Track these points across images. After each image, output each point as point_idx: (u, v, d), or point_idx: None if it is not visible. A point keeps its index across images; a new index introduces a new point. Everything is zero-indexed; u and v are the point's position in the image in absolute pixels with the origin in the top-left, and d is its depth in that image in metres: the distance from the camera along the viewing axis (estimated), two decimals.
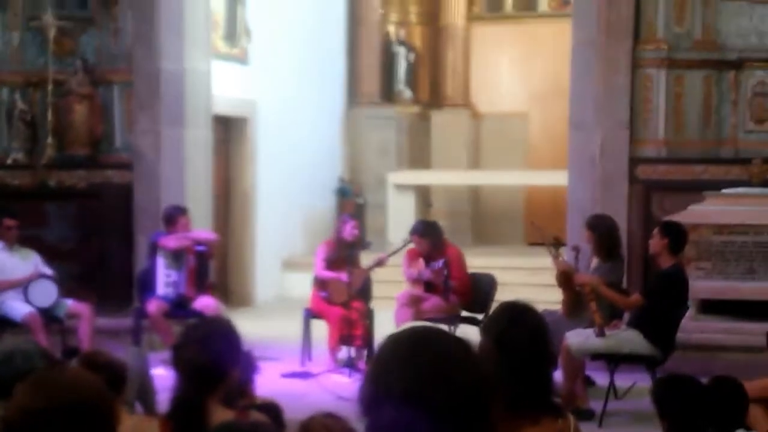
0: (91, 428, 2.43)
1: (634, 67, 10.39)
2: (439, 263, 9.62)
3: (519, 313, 3.65)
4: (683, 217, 9.47)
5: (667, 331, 8.14)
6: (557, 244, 9.01)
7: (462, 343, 2.05)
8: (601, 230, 8.84)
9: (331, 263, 9.99)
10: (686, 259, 9.20)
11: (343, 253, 10.00)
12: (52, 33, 10.99)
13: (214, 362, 3.88)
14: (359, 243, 11.07)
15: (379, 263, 9.97)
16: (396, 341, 2.05)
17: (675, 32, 10.44)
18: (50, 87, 11.05)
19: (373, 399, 1.99)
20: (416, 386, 1.94)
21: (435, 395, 1.94)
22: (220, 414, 3.81)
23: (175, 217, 9.88)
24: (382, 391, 1.97)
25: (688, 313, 8.71)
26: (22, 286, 9.52)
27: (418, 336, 2.05)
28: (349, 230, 10.09)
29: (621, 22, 10.32)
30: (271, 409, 4.59)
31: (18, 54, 11.34)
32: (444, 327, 7.61)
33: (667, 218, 9.10)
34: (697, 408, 4.75)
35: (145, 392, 4.84)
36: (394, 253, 10.25)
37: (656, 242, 8.22)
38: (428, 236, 9.83)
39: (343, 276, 9.81)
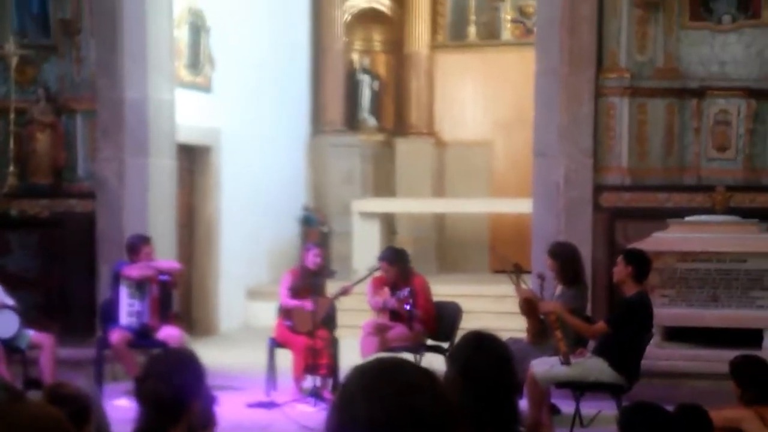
0: None
1: (597, 96, 10.45)
2: (405, 292, 9.61)
3: (483, 342, 3.65)
4: (647, 244, 9.51)
5: (632, 358, 8.15)
6: (519, 271, 9.02)
7: (427, 374, 2.04)
8: (563, 257, 8.86)
9: (296, 292, 9.96)
10: (650, 286, 9.23)
11: (307, 282, 9.98)
12: (14, 61, 10.94)
13: (177, 394, 3.85)
14: (323, 271, 11.05)
15: (344, 292, 9.95)
16: (362, 372, 2.04)
17: (637, 61, 10.52)
18: (12, 116, 10.99)
19: (338, 428, 1.98)
20: (382, 417, 1.94)
21: (401, 426, 1.93)
22: None
23: (138, 246, 9.83)
24: (348, 422, 1.96)
25: (652, 341, 8.72)
26: None
27: (383, 367, 2.04)
28: (312, 258, 10.07)
29: (583, 51, 10.39)
30: None
31: None
32: (409, 356, 7.59)
33: (631, 246, 9.13)
34: None
35: (101, 426, 4.78)
36: (360, 281, 10.23)
37: (620, 270, 8.24)
38: (397, 263, 9.81)
39: (308, 304, 9.78)
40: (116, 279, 9.85)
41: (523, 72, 13.90)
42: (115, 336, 9.62)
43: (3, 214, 11.10)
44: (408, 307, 9.54)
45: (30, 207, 11.13)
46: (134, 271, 9.76)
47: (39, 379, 9.28)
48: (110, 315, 9.88)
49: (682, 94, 10.47)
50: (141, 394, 3.92)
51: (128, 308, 9.79)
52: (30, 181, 11.11)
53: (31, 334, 9.55)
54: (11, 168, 11.04)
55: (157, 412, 3.85)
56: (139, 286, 9.80)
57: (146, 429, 3.90)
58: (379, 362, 2.07)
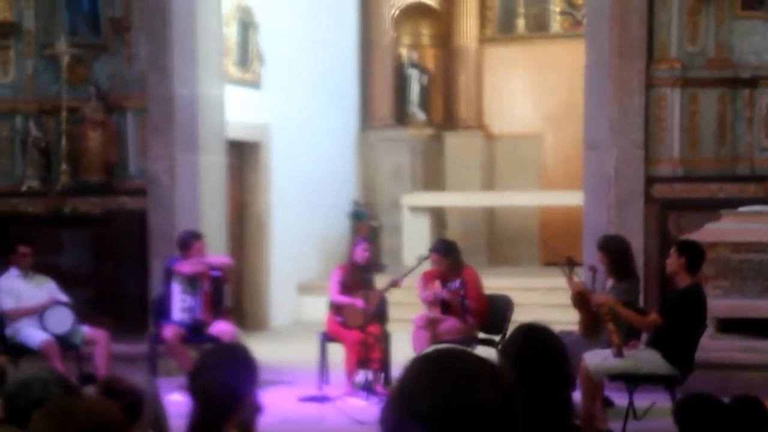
0: None
1: (648, 87, 10.36)
2: (456, 283, 9.60)
3: (537, 334, 3.62)
4: (700, 235, 9.43)
5: (685, 350, 8.09)
6: (571, 264, 8.96)
7: (488, 364, 2.02)
8: (613, 251, 8.80)
9: (346, 287, 9.97)
10: (704, 277, 9.15)
11: (357, 277, 9.98)
12: (65, 60, 11.03)
13: (230, 388, 3.86)
14: (373, 265, 11.05)
15: (394, 284, 9.94)
16: (421, 363, 2.03)
17: (688, 51, 10.42)
18: (64, 114, 11.09)
19: (397, 422, 1.97)
20: (443, 408, 1.92)
21: (463, 418, 1.91)
22: None
23: (189, 242, 9.89)
24: (409, 413, 1.95)
25: (706, 333, 8.65)
26: (38, 313, 9.52)
27: (443, 357, 2.02)
28: (360, 253, 10.07)
29: (633, 42, 10.31)
30: None
31: (32, 82, 11.39)
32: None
33: (684, 237, 9.05)
34: (718, 428, 4.71)
35: (158, 419, 4.82)
36: (409, 272, 10.23)
37: (673, 261, 8.18)
38: (449, 255, 9.79)
39: (359, 302, 9.78)
40: (168, 275, 9.92)
41: (572, 64, 13.81)
42: (168, 331, 9.69)
43: (56, 212, 11.21)
44: (460, 298, 9.53)
45: (82, 205, 11.23)
46: (186, 267, 9.82)
47: (94, 374, 9.37)
48: (163, 311, 9.95)
49: (734, 83, 10.37)
50: (194, 388, 3.94)
51: (181, 304, 9.86)
52: (82, 179, 11.21)
53: (86, 330, 9.64)
54: (63, 166, 11.14)
55: (210, 407, 3.86)
56: (191, 281, 9.86)
57: (200, 423, 3.92)
58: (439, 353, 2.05)
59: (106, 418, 2.45)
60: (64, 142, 11.13)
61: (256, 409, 4.96)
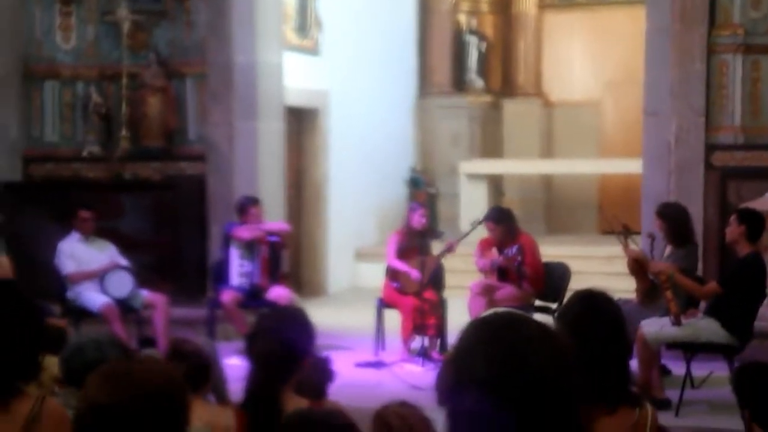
0: (161, 421, 2.44)
1: (710, 54, 10.23)
2: (513, 250, 9.58)
3: (595, 301, 3.61)
4: (760, 204, 9.31)
5: (744, 319, 8.02)
6: (627, 232, 8.91)
7: (545, 329, 2.02)
8: (672, 218, 8.73)
9: (403, 252, 9.98)
10: (764, 246, 9.06)
11: (414, 242, 9.99)
12: (126, 27, 11.12)
13: (288, 351, 3.89)
14: (430, 231, 11.05)
15: (449, 249, 9.92)
16: (479, 327, 2.03)
17: (751, 17, 10.26)
18: (124, 80, 11.18)
19: (454, 385, 1.97)
20: (500, 372, 1.92)
21: (517, 381, 1.92)
22: (294, 403, 3.82)
23: (246, 207, 9.95)
24: (465, 377, 1.95)
25: (766, 302, 8.57)
26: (99, 277, 9.64)
27: (501, 321, 2.03)
28: (417, 219, 10.06)
29: (696, 8, 10.17)
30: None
31: (93, 48, 11.48)
32: None
33: (744, 205, 8.96)
34: None
35: (217, 382, 4.88)
36: (463, 237, 10.23)
37: (733, 230, 8.11)
38: (503, 223, 9.77)
39: (415, 273, 9.78)
40: (227, 240, 10.00)
41: (632, 31, 13.68)
42: (226, 296, 9.77)
43: (116, 177, 11.32)
44: (517, 264, 9.51)
45: (142, 170, 11.33)
46: (244, 232, 9.88)
47: (153, 338, 9.48)
48: (221, 275, 10.03)
49: None
50: (251, 351, 3.97)
51: (239, 269, 9.93)
52: (142, 145, 11.30)
53: (145, 294, 9.74)
54: (124, 132, 11.24)
55: (268, 370, 3.89)
56: (249, 247, 9.93)
57: (257, 387, 3.95)
58: (495, 318, 2.05)
59: (159, 383, 2.47)
60: (124, 108, 11.23)
61: (328, 374, 5.01)
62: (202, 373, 4.54)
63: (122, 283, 9.64)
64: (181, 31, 11.23)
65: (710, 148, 10.27)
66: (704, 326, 8.04)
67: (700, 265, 9.06)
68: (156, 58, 11.19)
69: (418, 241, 10.01)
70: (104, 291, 9.59)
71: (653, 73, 10.39)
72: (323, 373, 4.97)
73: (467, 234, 10.24)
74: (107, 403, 2.40)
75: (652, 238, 8.78)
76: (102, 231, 10.10)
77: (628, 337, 3.69)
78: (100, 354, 4.16)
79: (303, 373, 3.98)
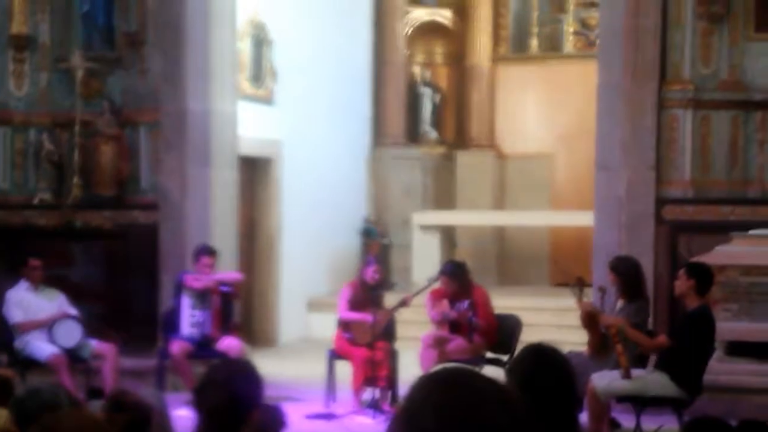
0: None
1: (661, 108, 10.36)
2: (465, 304, 9.60)
3: (545, 354, 3.61)
4: (710, 258, 9.41)
5: (694, 372, 8.07)
6: (581, 284, 8.95)
7: (495, 385, 2.01)
8: (625, 272, 8.79)
9: (355, 304, 9.97)
10: (713, 300, 9.14)
11: (366, 295, 9.99)
12: (79, 74, 11.07)
13: (236, 403, 3.86)
14: (382, 284, 11.05)
15: (404, 303, 9.94)
16: (428, 381, 2.02)
17: (701, 73, 10.42)
18: (77, 128, 11.12)
19: None
20: (448, 428, 1.91)
21: None
22: None
23: (198, 255, 9.91)
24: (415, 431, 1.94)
25: (715, 355, 8.63)
26: (47, 326, 9.54)
27: (451, 377, 2.02)
28: (371, 274, 10.09)
29: (646, 63, 10.31)
30: None
31: (46, 95, 11.43)
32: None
33: (693, 259, 9.04)
34: None
35: None
36: (419, 292, 10.23)
37: (682, 283, 8.17)
38: (457, 277, 9.80)
39: (368, 317, 9.79)
40: (179, 289, 9.94)
41: (585, 84, 13.82)
42: (176, 347, 9.70)
43: (67, 225, 11.23)
44: (469, 318, 9.52)
45: (94, 218, 11.26)
46: (197, 281, 9.83)
47: (101, 388, 9.37)
48: (172, 325, 9.96)
49: (746, 106, 10.36)
50: (199, 403, 3.94)
51: (190, 318, 9.87)
52: (94, 193, 11.23)
53: (94, 344, 9.65)
54: (76, 179, 11.17)
55: (216, 422, 3.86)
56: (201, 296, 9.87)
57: None
58: (446, 372, 2.04)
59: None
60: (76, 155, 11.16)
61: (281, 423, 4.97)
62: (143, 425, 4.48)
63: (71, 333, 9.54)
64: (135, 79, 11.20)
65: (661, 201, 10.38)
66: (654, 380, 8.07)
67: (650, 319, 9.11)
68: (109, 106, 11.15)
69: (370, 294, 10.02)
70: (53, 341, 9.49)
71: (605, 127, 10.50)
72: (275, 422, 4.93)
73: (422, 290, 10.24)
74: None
75: (603, 291, 8.83)
76: (51, 280, 10.01)
77: (577, 390, 3.69)
78: (55, 398, 4.12)
79: (252, 425, 3.94)
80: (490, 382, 2.03)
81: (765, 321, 9.58)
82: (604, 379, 8.10)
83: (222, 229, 11.19)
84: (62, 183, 11.30)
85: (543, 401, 3.39)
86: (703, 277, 8.18)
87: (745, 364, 9.54)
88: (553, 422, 3.42)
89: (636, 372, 8.09)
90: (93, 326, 9.90)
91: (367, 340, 9.72)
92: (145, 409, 4.60)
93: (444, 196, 17.30)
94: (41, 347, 9.45)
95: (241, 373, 4.02)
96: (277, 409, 5.05)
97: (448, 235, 16.52)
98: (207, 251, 9.99)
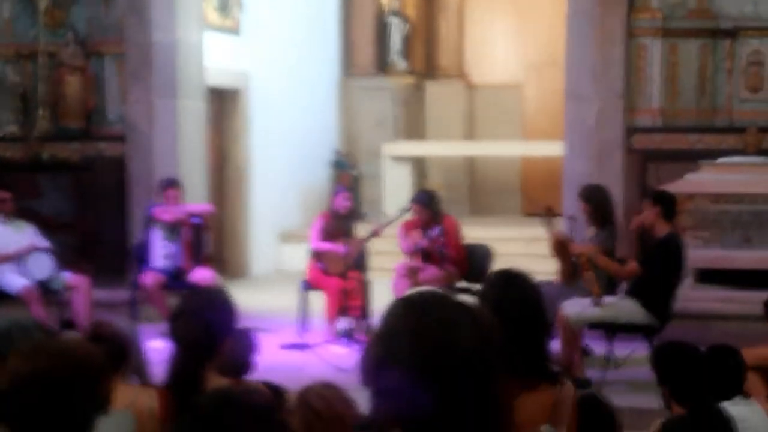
0: (79, 392, 2.42)
1: (629, 37, 10.36)
2: (436, 231, 9.63)
3: (513, 280, 3.64)
4: (679, 186, 9.47)
5: (664, 299, 8.13)
6: (550, 214, 8.98)
7: (467, 308, 2.03)
8: (594, 200, 8.83)
9: (327, 235, 9.98)
10: (682, 228, 9.21)
11: (338, 225, 10.00)
12: (43, 5, 10.94)
13: (210, 331, 3.87)
14: (353, 214, 11.05)
15: (375, 233, 9.95)
16: (403, 306, 2.03)
17: (670, 1, 10.41)
18: (42, 59, 11.00)
19: (378, 365, 1.97)
20: (423, 351, 1.93)
21: (442, 360, 1.92)
22: (217, 383, 3.80)
23: (164, 189, 9.87)
24: (389, 357, 1.96)
25: (685, 282, 8.70)
26: (18, 259, 9.49)
27: (425, 301, 2.03)
28: (341, 202, 10.09)
29: None
30: (272, 387, 4.59)
31: (9, 26, 11.29)
32: None
33: (662, 187, 9.09)
34: (696, 375, 4.75)
35: (139, 364, 4.84)
36: (390, 223, 10.24)
37: (648, 213, 8.20)
38: (429, 206, 9.80)
39: (341, 247, 9.81)
40: (148, 222, 9.90)
41: (554, 13, 13.77)
42: (148, 278, 9.69)
43: (35, 158, 11.16)
44: (440, 246, 9.56)
45: (61, 150, 11.18)
46: (166, 214, 9.80)
47: (74, 320, 9.37)
48: (143, 257, 9.94)
49: (714, 34, 10.37)
50: (174, 332, 3.95)
51: (161, 251, 9.85)
52: (61, 125, 11.15)
53: (66, 275, 9.62)
54: (41, 111, 11.08)
55: (191, 350, 3.88)
56: (172, 228, 9.85)
57: (180, 367, 3.93)
58: (419, 296, 2.05)
59: (79, 357, 2.45)
60: (41, 87, 11.06)
61: (251, 346, 4.99)
62: (122, 356, 4.49)
63: (42, 265, 9.51)
64: (100, 10, 11.08)
65: (630, 131, 10.41)
66: (625, 306, 8.14)
67: (620, 246, 9.17)
68: (74, 37, 11.03)
69: (342, 224, 10.03)
70: (24, 273, 9.45)
71: (574, 56, 10.49)
72: (245, 346, 4.96)
73: (394, 220, 10.24)
74: (28, 373, 2.38)
75: (573, 220, 8.87)
76: (21, 212, 9.95)
77: (546, 315, 3.71)
78: (27, 338, 4.11)
79: (225, 353, 3.96)
80: (463, 305, 2.04)
81: (734, 248, 9.68)
82: (576, 307, 8.16)
83: (190, 161, 11.14)
84: (28, 115, 11.20)
85: (512, 326, 3.41)
86: (668, 202, 8.22)
87: (714, 291, 9.65)
88: (523, 347, 3.44)
89: (607, 299, 8.16)
90: (64, 258, 9.87)
91: (340, 270, 9.74)
92: (124, 340, 4.61)
93: (414, 127, 17.26)
94: (13, 280, 9.41)
95: (214, 301, 4.03)
96: (246, 333, 5.06)
97: (419, 166, 16.52)
98: (171, 184, 9.95)
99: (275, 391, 4.39)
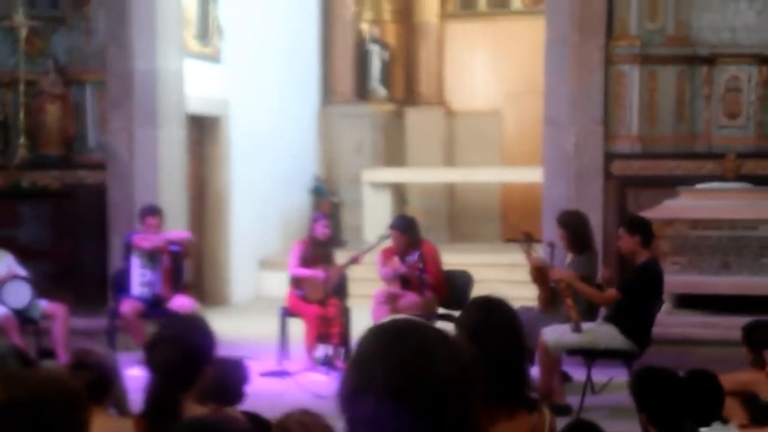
0: (56, 424, 2.40)
1: (608, 64, 10.41)
2: (414, 256, 9.63)
3: (492, 306, 3.64)
4: (658, 212, 9.51)
5: (643, 325, 8.15)
6: (529, 240, 9.00)
7: (443, 336, 2.02)
8: (572, 226, 8.86)
9: (306, 262, 9.96)
10: (661, 253, 9.24)
11: (317, 252, 9.99)
12: (23, 33, 10.92)
13: (188, 359, 3.85)
14: (333, 241, 11.05)
15: (355, 260, 9.95)
16: (377, 333, 2.02)
17: (648, 28, 10.46)
18: (22, 87, 10.98)
19: (353, 392, 1.96)
20: (398, 379, 1.92)
21: (417, 388, 1.91)
22: (195, 411, 3.78)
23: (143, 216, 9.86)
24: (364, 384, 1.95)
25: (664, 308, 8.73)
26: None
27: (399, 328, 2.02)
28: (320, 229, 10.09)
29: (593, 18, 10.34)
30: (255, 419, 4.58)
31: None
32: None
33: (639, 214, 9.13)
34: (675, 400, 4.75)
35: (117, 394, 4.81)
36: (370, 249, 10.24)
37: (627, 242, 8.22)
38: (407, 231, 9.80)
39: (320, 273, 9.80)
40: (128, 249, 9.88)
41: (533, 41, 13.83)
42: (126, 306, 9.66)
43: (14, 186, 11.12)
44: (418, 272, 9.55)
45: (41, 178, 11.15)
46: (146, 241, 9.78)
47: (52, 349, 9.32)
48: (122, 285, 9.91)
49: (692, 61, 10.43)
50: (151, 360, 3.93)
51: (140, 278, 9.82)
52: (40, 153, 11.12)
53: (44, 304, 9.58)
54: (21, 140, 11.05)
55: (168, 378, 3.85)
56: (151, 256, 9.83)
57: (158, 396, 3.91)
58: (395, 324, 2.04)
59: (56, 387, 2.43)
60: (22, 115, 11.03)
61: (244, 377, 4.98)
62: (104, 385, 4.47)
63: (20, 294, 9.46)
64: (80, 38, 11.07)
65: (609, 157, 10.45)
66: (604, 333, 8.15)
67: (599, 272, 9.19)
68: (54, 65, 11.02)
69: (321, 251, 10.02)
70: (1, 301, 9.40)
71: (553, 82, 10.53)
72: (238, 376, 4.94)
73: (373, 247, 10.24)
74: (4, 402, 2.36)
75: (552, 246, 8.90)
76: None
77: (525, 342, 3.72)
78: (2, 366, 4.09)
79: (204, 381, 3.94)
80: (439, 332, 2.04)
81: (712, 274, 9.71)
82: (555, 333, 8.17)
83: (170, 189, 11.12)
84: (8, 143, 11.17)
85: (491, 352, 3.41)
86: (645, 229, 8.26)
87: (693, 317, 9.67)
88: (502, 373, 3.44)
89: (586, 325, 8.17)
90: (42, 286, 9.82)
91: (319, 297, 9.73)
92: (107, 369, 4.59)
93: (394, 154, 17.29)
94: None
95: (192, 327, 4.01)
96: (239, 364, 5.05)
97: (399, 192, 16.54)
98: (151, 211, 9.94)
99: (258, 423, 4.37)
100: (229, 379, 4.54)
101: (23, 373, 2.51)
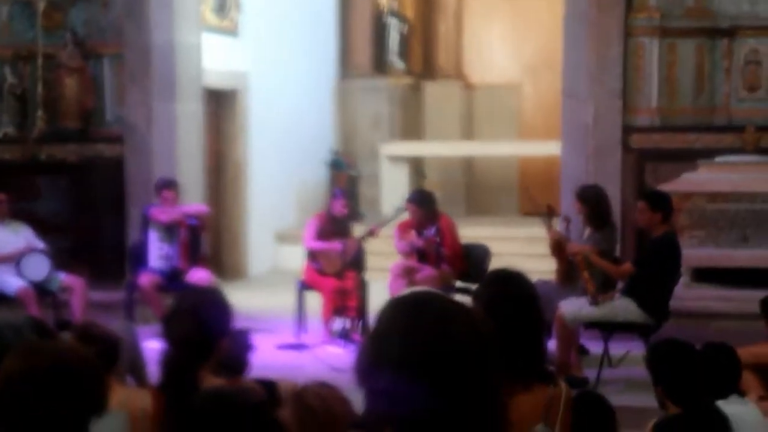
0: (74, 394, 2.42)
1: (627, 36, 10.35)
2: (431, 231, 9.62)
3: (509, 279, 3.63)
4: (676, 185, 9.48)
5: (660, 298, 8.14)
6: (550, 213, 8.99)
7: (462, 308, 2.02)
8: (590, 200, 8.83)
9: (322, 236, 9.96)
10: (679, 227, 9.21)
11: (333, 227, 9.98)
12: (41, 6, 10.94)
13: (205, 331, 3.86)
14: (350, 216, 11.04)
15: (371, 233, 9.93)
16: (396, 306, 2.02)
17: (667, 1, 10.39)
18: (40, 60, 11.00)
19: (371, 365, 1.96)
20: (416, 351, 1.92)
21: (435, 360, 1.91)
22: (211, 382, 3.80)
23: (159, 190, 9.89)
24: (382, 357, 1.94)
25: (681, 281, 8.71)
26: (15, 260, 9.50)
27: (418, 301, 2.02)
28: (338, 208, 10.08)
29: None
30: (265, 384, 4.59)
31: (7, 28, 11.28)
32: None
33: (658, 187, 9.10)
34: (691, 373, 4.75)
35: (136, 365, 4.84)
36: (387, 222, 10.23)
37: (648, 217, 8.19)
38: (424, 205, 9.78)
39: (337, 245, 9.80)
40: (145, 222, 9.91)
41: (551, 14, 13.78)
42: (145, 279, 9.69)
43: (32, 159, 11.16)
44: (436, 245, 9.55)
45: (59, 152, 11.18)
46: (163, 215, 9.80)
47: (70, 321, 9.37)
48: (140, 258, 9.95)
49: (712, 33, 10.35)
50: (168, 332, 3.94)
51: (158, 251, 9.86)
52: (59, 126, 11.15)
53: (62, 277, 9.63)
54: (39, 113, 11.07)
55: (185, 350, 3.87)
56: (169, 229, 9.85)
57: (175, 368, 3.92)
58: (414, 296, 2.04)
59: (74, 358, 2.45)
60: (40, 88, 11.06)
61: (247, 346, 5.00)
62: (112, 357, 4.49)
63: (39, 266, 9.51)
64: (98, 11, 11.07)
65: (627, 130, 10.40)
66: (621, 306, 8.15)
67: (618, 246, 9.18)
68: (72, 39, 11.02)
69: (336, 226, 10.01)
70: (20, 274, 9.45)
71: (571, 56, 10.48)
72: (241, 345, 4.96)
73: (390, 220, 10.23)
74: (21, 373, 2.38)
75: (567, 220, 8.88)
76: (18, 213, 9.95)
77: (542, 315, 3.71)
78: (18, 338, 4.11)
79: (221, 353, 3.96)
80: (456, 305, 2.03)
81: (730, 247, 9.68)
82: (572, 306, 8.17)
83: (188, 162, 11.14)
84: (26, 116, 11.20)
85: (508, 325, 3.40)
86: (667, 205, 8.24)
87: (710, 290, 9.65)
88: (518, 346, 3.44)
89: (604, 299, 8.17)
90: (61, 259, 9.87)
91: (336, 270, 9.74)
92: (114, 341, 4.61)
93: (412, 127, 17.26)
94: (9, 281, 9.42)
95: (209, 301, 4.02)
96: (243, 332, 5.07)
97: (417, 166, 16.52)
98: (168, 184, 9.96)
99: (268, 388, 4.39)
100: (232, 350, 4.55)
101: (42, 343, 2.52)
